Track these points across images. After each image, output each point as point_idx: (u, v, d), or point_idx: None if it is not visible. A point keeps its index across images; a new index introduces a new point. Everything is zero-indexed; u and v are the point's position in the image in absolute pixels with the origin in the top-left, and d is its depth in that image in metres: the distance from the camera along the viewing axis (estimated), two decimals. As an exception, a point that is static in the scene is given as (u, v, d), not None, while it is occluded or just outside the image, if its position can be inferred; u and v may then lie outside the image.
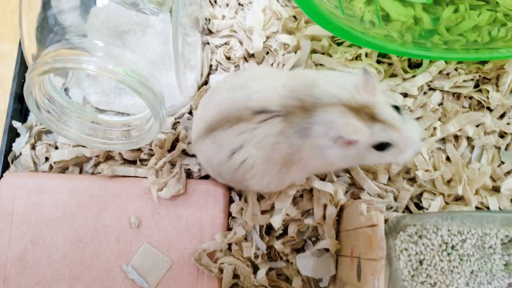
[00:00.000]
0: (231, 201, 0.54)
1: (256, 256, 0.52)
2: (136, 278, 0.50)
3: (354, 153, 0.42)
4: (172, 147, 0.54)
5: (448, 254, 0.47)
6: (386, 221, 0.47)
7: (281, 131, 0.41)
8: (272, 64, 0.54)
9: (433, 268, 0.47)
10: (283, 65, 0.54)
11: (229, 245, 0.52)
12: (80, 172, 0.55)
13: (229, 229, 0.53)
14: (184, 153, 0.54)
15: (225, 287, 0.51)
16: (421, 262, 0.47)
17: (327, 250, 0.52)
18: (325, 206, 0.52)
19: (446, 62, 0.55)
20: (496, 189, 0.54)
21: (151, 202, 0.52)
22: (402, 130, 0.40)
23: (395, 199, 0.53)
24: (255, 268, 0.52)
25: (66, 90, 0.54)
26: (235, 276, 0.52)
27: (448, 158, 0.56)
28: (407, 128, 0.41)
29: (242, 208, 0.53)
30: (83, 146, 0.53)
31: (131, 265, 0.51)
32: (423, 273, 0.47)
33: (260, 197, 0.53)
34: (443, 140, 0.56)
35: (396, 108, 0.42)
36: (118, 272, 0.51)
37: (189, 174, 0.54)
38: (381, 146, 0.41)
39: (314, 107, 0.40)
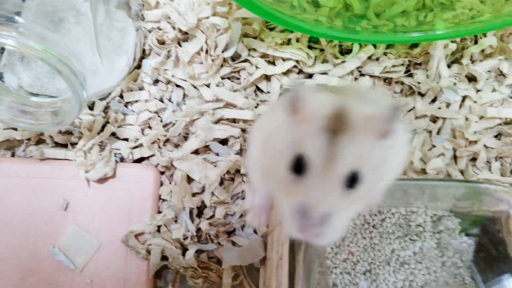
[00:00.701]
0: (161, 184, 0.54)
1: (186, 238, 0.52)
2: (62, 260, 0.50)
3: None
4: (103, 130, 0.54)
5: (370, 232, 0.48)
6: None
7: None
8: (204, 46, 0.55)
9: (355, 245, 0.48)
10: (216, 47, 0.54)
11: (159, 227, 0.53)
12: (12, 156, 0.55)
13: (159, 212, 0.54)
14: (115, 136, 0.54)
15: (152, 269, 0.51)
16: (343, 239, 0.48)
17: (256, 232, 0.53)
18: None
19: (374, 46, 0.56)
20: (425, 172, 0.55)
21: (81, 184, 0.52)
22: None
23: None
24: (185, 250, 0.52)
25: (0, 75, 0.55)
26: (164, 258, 0.52)
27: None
28: None
29: (171, 191, 0.53)
30: (14, 129, 0.53)
31: (58, 247, 0.51)
32: (345, 250, 0.47)
33: (190, 180, 0.54)
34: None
35: None
36: (45, 254, 0.51)
37: (121, 159, 0.55)
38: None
39: None
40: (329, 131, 0.29)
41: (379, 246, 0.48)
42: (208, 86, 0.54)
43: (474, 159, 0.56)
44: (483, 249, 0.49)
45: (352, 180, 0.29)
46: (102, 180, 0.52)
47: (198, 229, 0.53)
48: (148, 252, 0.51)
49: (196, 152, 0.54)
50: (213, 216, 0.54)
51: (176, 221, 0.53)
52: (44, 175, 0.52)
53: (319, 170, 0.28)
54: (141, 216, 0.52)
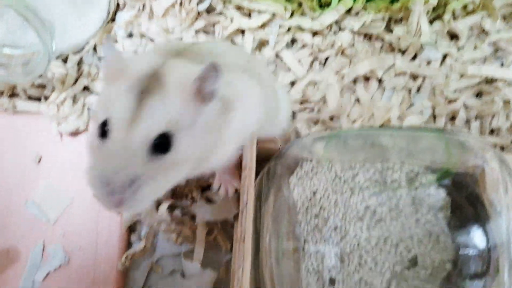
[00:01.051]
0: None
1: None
2: (36, 213, 0.50)
3: None
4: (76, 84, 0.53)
5: (341, 187, 0.48)
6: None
7: None
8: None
9: (326, 199, 0.47)
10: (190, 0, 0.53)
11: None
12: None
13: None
14: (89, 90, 0.54)
15: (125, 224, 0.51)
16: (314, 194, 0.47)
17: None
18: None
19: (354, 0, 0.55)
20: (403, 130, 0.54)
21: (54, 138, 0.52)
22: None
23: (298, 136, 0.53)
24: (158, 205, 0.52)
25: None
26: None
27: (358, 100, 0.56)
28: None
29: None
30: (-14, 82, 0.53)
31: (32, 200, 0.51)
32: (316, 205, 0.47)
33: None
34: (354, 82, 0.56)
35: None
36: (19, 207, 0.51)
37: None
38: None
39: None
40: (138, 92, 0.27)
41: (350, 201, 0.47)
42: (181, 39, 0.53)
43: (453, 118, 0.56)
44: (457, 206, 0.49)
45: (162, 144, 0.27)
46: (75, 133, 0.52)
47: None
48: None
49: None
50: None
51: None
52: (17, 128, 0.52)
53: (122, 134, 0.27)
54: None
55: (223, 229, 0.53)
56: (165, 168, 0.28)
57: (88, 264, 0.50)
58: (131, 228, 0.53)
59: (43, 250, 0.50)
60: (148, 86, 0.28)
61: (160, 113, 0.27)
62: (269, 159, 0.46)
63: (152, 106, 0.27)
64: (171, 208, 0.52)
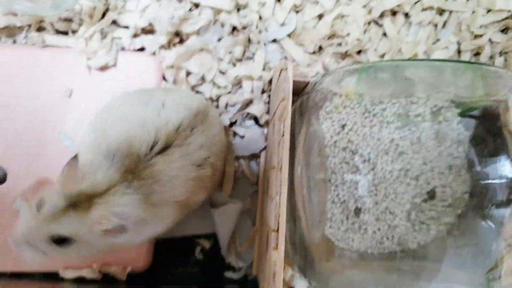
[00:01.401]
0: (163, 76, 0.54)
1: None
2: (69, 144, 0.52)
3: None
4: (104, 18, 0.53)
5: (370, 120, 0.48)
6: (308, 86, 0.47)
7: None
8: None
9: (354, 133, 0.48)
10: None
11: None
12: (14, 43, 0.54)
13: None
14: (117, 25, 0.54)
15: None
16: (343, 127, 0.48)
17: (256, 122, 0.54)
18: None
19: None
20: (428, 65, 0.54)
21: (83, 72, 0.52)
22: None
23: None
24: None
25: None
26: None
27: (385, 34, 0.55)
28: None
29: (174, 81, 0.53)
30: (14, 15, 0.53)
31: (64, 133, 0.52)
32: (344, 138, 0.48)
33: (189, 74, 0.54)
34: (381, 16, 0.56)
35: None
36: (52, 140, 0.52)
37: (122, 48, 0.54)
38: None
39: None
40: (68, 201, 0.37)
41: (378, 135, 0.48)
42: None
43: (478, 54, 0.56)
44: (481, 139, 0.50)
45: (60, 241, 0.38)
46: (104, 68, 0.52)
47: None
48: None
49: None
50: (216, 107, 0.54)
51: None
52: (47, 62, 0.52)
53: (43, 216, 0.37)
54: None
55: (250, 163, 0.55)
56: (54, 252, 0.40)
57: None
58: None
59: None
60: (80, 202, 0.37)
61: (69, 227, 0.38)
62: (301, 93, 0.47)
63: (68, 219, 0.37)
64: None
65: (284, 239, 0.37)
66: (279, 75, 0.40)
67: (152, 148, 0.39)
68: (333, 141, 0.48)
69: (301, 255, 0.45)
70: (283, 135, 0.38)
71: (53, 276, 0.52)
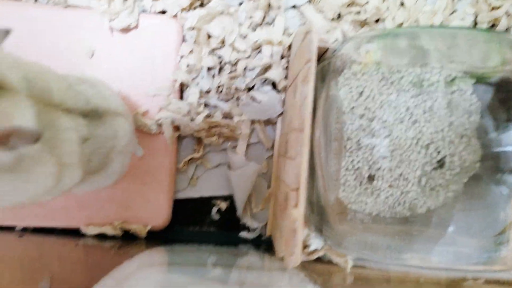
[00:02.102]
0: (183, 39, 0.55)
1: (200, 105, 0.54)
2: (91, 105, 0.53)
3: None
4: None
5: (387, 88, 0.49)
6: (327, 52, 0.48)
7: None
8: None
9: (371, 100, 0.49)
10: None
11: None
12: (36, 1, 0.55)
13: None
14: (138, -14, 0.54)
15: (171, 140, 0.54)
16: (360, 94, 0.49)
17: (274, 87, 0.55)
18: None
19: None
20: (445, 35, 0.55)
21: (105, 34, 0.53)
22: None
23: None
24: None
25: None
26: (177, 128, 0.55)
27: (402, 4, 0.56)
28: None
29: (192, 50, 0.54)
30: (36, -25, 0.53)
31: (86, 93, 0.53)
32: (362, 105, 0.49)
33: (209, 37, 0.54)
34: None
35: None
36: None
37: (144, 10, 0.55)
38: None
39: None
40: None
41: (395, 103, 0.49)
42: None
43: (494, 26, 0.56)
44: (494, 108, 0.51)
45: None
46: (126, 30, 0.53)
47: (219, 87, 0.55)
48: (159, 125, 0.54)
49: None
50: (234, 71, 0.55)
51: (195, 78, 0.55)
52: (69, 23, 0.53)
53: None
54: (163, 70, 0.54)
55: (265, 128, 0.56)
56: None
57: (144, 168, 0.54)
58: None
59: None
60: None
61: None
62: (320, 58, 0.48)
63: None
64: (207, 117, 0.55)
65: (304, 197, 0.39)
66: (304, 38, 0.41)
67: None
68: (350, 108, 0.49)
69: (318, 214, 0.46)
70: (306, 97, 0.39)
71: (74, 232, 0.54)
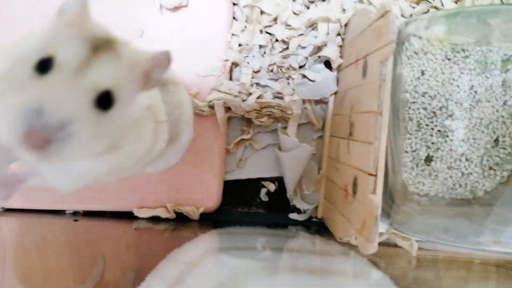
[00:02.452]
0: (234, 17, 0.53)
1: (252, 85, 0.53)
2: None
3: None
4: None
5: (450, 67, 0.48)
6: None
7: None
8: None
9: (433, 79, 0.48)
10: None
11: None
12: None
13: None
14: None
15: (222, 122, 0.53)
16: (423, 72, 0.48)
17: (329, 67, 0.53)
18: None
19: None
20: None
21: (155, 12, 0.51)
22: None
23: (402, 15, 0.53)
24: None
25: None
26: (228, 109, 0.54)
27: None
28: None
29: (245, 27, 0.52)
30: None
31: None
32: (424, 83, 0.48)
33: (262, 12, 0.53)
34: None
35: None
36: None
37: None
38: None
39: None
40: (92, 46, 0.27)
41: (457, 82, 0.48)
42: None
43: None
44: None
45: (105, 102, 0.27)
46: (176, 9, 0.51)
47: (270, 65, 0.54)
48: (211, 107, 0.52)
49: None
50: (286, 49, 0.53)
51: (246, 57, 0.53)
52: (119, 1, 0.51)
53: (68, 75, 0.25)
54: (214, 49, 0.52)
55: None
56: (99, 126, 0.27)
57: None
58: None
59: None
60: (103, 46, 0.28)
61: (111, 73, 0.27)
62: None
63: (104, 63, 0.27)
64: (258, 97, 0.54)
65: (382, 183, 0.38)
66: (379, 17, 0.39)
67: None
68: (413, 86, 0.48)
69: (385, 197, 0.45)
70: (384, 78, 0.37)
71: (127, 216, 0.54)
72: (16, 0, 0.51)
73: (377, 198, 0.37)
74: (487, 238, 0.48)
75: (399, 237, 0.47)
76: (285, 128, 0.56)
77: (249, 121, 0.55)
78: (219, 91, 0.52)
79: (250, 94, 0.53)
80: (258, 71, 0.54)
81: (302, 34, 0.53)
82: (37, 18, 0.50)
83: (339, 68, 0.53)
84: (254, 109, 0.53)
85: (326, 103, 0.55)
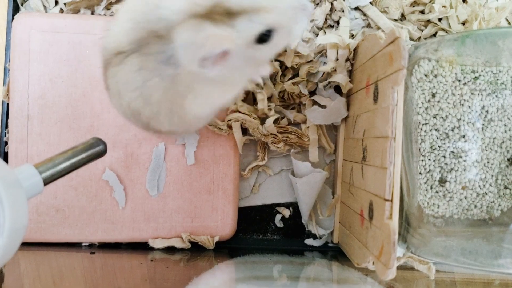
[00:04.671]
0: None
1: (270, 109, 0.53)
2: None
3: (239, 62, 0.36)
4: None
5: (460, 88, 0.48)
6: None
7: (140, 67, 0.35)
8: None
9: (445, 101, 0.48)
10: None
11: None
12: (92, 14, 0.54)
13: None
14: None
15: (240, 143, 0.53)
16: (433, 95, 0.48)
17: (338, 91, 0.54)
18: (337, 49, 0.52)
19: None
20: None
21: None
22: (271, 5, 0.34)
23: (410, 38, 0.53)
24: (263, 121, 0.54)
25: None
26: (245, 131, 0.54)
27: (464, 0, 0.55)
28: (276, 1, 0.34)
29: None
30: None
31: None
32: (435, 105, 0.48)
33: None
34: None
35: None
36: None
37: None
38: (263, 38, 0.35)
39: (167, 31, 0.33)
40: None
41: (469, 102, 0.48)
42: None
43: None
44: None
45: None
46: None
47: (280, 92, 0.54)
48: (229, 127, 0.53)
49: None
50: (296, 75, 0.54)
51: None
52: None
53: None
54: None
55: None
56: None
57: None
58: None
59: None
60: None
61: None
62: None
63: None
64: (275, 121, 0.54)
65: (398, 208, 0.38)
66: (388, 42, 0.40)
67: None
68: (424, 108, 0.48)
69: (401, 221, 0.45)
70: (396, 104, 0.38)
71: (141, 247, 0.53)
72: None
73: (394, 224, 0.37)
74: (506, 260, 0.47)
75: (416, 260, 0.46)
76: (298, 153, 0.56)
77: (263, 146, 0.55)
78: (239, 112, 0.52)
79: (268, 117, 0.53)
80: (270, 97, 0.54)
81: (311, 61, 0.53)
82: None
83: (349, 93, 0.53)
84: (271, 134, 0.53)
85: (336, 127, 0.55)
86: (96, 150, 0.36)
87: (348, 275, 0.48)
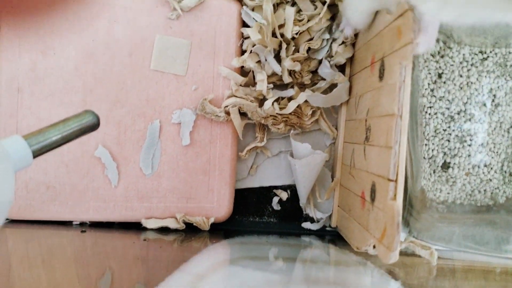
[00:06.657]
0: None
1: (269, 90, 0.52)
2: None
3: None
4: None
5: (468, 70, 0.47)
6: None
7: None
8: None
9: (451, 82, 0.46)
10: None
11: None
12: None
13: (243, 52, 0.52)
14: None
15: (239, 128, 0.52)
16: (440, 76, 0.46)
17: (341, 69, 0.52)
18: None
19: None
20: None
21: (163, 16, 0.50)
22: None
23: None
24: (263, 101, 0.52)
25: None
26: (244, 114, 0.53)
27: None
28: None
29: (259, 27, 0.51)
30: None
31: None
32: (442, 87, 0.46)
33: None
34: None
35: None
36: (131, 85, 0.50)
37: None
38: None
39: None
40: None
41: (476, 85, 0.47)
42: None
43: None
44: None
45: None
46: (185, 12, 0.50)
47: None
48: (227, 113, 0.51)
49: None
50: (296, 51, 0.52)
51: (259, 61, 0.51)
52: (125, 4, 0.50)
53: None
54: (225, 52, 0.51)
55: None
56: None
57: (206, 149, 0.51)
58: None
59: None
60: None
61: None
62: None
63: None
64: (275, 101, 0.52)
65: (402, 189, 0.37)
66: (398, 16, 0.38)
67: None
68: (429, 90, 0.47)
69: (404, 204, 0.44)
70: (404, 80, 0.36)
71: (134, 227, 0.52)
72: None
73: (398, 204, 0.36)
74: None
75: (418, 245, 0.45)
76: (298, 134, 0.54)
77: (262, 128, 0.54)
78: (236, 96, 0.50)
79: (266, 99, 0.51)
80: (272, 76, 0.52)
81: (312, 38, 0.51)
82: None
83: (352, 72, 0.51)
84: (271, 115, 0.51)
85: (336, 108, 0.54)
86: (88, 122, 0.34)
87: (346, 258, 0.47)
